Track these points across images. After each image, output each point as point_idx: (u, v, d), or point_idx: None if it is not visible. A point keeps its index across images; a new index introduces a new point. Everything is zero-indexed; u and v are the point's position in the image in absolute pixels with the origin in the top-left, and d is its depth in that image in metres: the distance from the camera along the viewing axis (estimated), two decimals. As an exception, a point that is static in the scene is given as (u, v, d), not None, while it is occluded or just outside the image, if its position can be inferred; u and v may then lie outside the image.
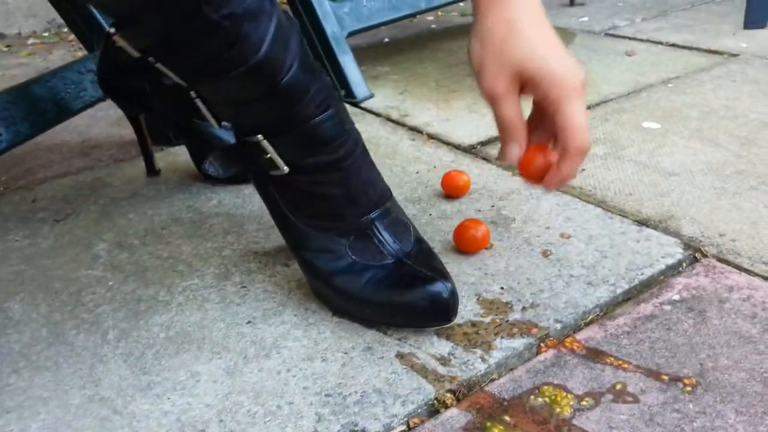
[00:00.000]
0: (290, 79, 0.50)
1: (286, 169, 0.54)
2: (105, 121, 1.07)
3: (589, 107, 0.98)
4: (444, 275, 0.52)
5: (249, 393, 0.47)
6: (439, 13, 1.75)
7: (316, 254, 0.55)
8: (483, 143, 0.88)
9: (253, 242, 0.67)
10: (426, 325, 0.52)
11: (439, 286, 0.51)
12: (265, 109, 0.52)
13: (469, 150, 0.87)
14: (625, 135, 0.87)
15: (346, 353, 0.51)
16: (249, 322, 0.55)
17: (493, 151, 0.85)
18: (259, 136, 0.53)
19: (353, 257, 0.54)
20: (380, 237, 0.54)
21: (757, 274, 0.57)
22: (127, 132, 0.95)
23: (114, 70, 0.76)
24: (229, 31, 0.46)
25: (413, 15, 1.24)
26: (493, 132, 0.91)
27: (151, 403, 0.47)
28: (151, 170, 0.84)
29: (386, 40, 1.51)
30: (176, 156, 0.89)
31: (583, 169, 0.78)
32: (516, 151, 0.50)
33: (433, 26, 1.63)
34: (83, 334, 0.55)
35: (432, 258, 0.55)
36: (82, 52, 1.50)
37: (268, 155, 0.53)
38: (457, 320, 0.53)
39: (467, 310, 0.55)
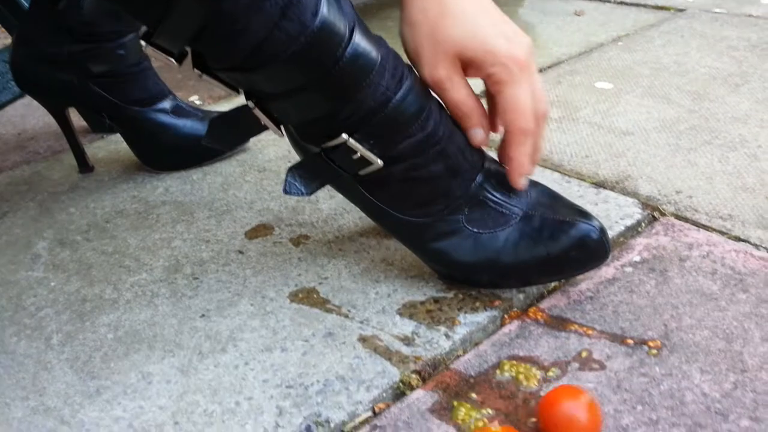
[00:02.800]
0: (356, 47, 0.42)
1: (380, 163, 0.46)
2: (41, 110, 1.01)
3: (541, 70, 0.96)
4: (582, 213, 0.49)
5: (205, 391, 0.45)
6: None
7: (437, 243, 0.49)
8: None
9: (204, 230, 0.64)
10: (584, 270, 0.50)
11: (584, 228, 0.47)
12: (336, 94, 0.44)
13: (424, 120, 0.84)
14: (579, 96, 0.86)
15: (306, 341, 0.49)
16: (203, 315, 0.52)
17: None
18: (344, 136, 0.45)
19: (476, 230, 0.49)
20: (495, 198, 0.49)
21: (714, 230, 0.57)
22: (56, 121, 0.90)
23: (34, 63, 0.71)
24: None
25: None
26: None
27: (100, 409, 0.44)
28: (84, 166, 0.78)
29: (333, 11, 1.46)
30: (118, 143, 0.85)
31: (539, 134, 0.77)
32: (480, 135, 0.48)
33: (380, -6, 1.59)
34: (25, 340, 0.51)
35: (558, 199, 0.51)
36: (7, 40, 1.41)
37: (357, 154, 0.46)
38: (420, 297, 0.52)
39: (429, 286, 0.53)
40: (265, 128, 0.48)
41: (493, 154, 0.52)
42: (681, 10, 1.17)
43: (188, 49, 0.43)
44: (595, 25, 1.14)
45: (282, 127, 0.48)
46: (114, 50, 0.70)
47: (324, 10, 0.40)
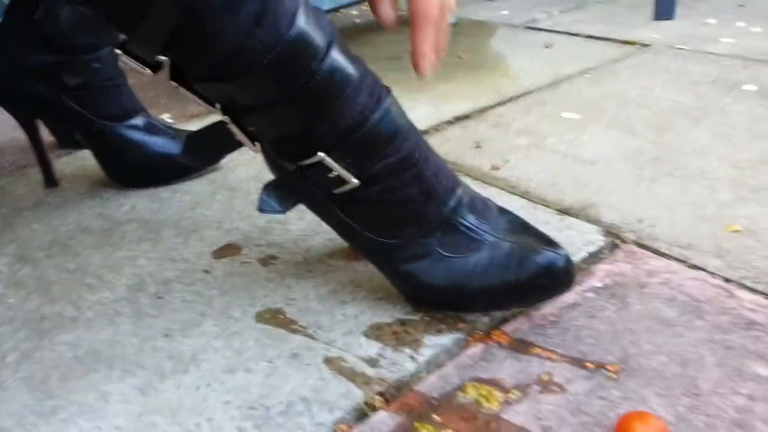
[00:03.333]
0: (331, 62, 0.43)
1: (356, 182, 0.47)
2: (6, 124, 0.99)
3: (511, 99, 0.99)
4: (550, 242, 0.50)
5: (164, 412, 0.44)
6: (363, 7, 1.73)
7: (407, 265, 0.50)
8: (408, 138, 0.87)
9: (171, 249, 0.63)
10: (549, 297, 0.51)
11: (551, 257, 0.48)
12: (312, 109, 0.44)
13: (395, 145, 0.86)
14: (546, 126, 0.88)
15: (270, 362, 0.48)
16: (165, 335, 0.52)
17: (419, 145, 0.84)
18: (320, 154, 0.46)
19: (448, 254, 0.49)
20: (467, 223, 0.50)
21: (674, 258, 0.59)
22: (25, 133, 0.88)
23: (7, 72, 0.70)
24: (255, 1, 0.40)
25: (336, 10, 1.22)
26: (421, 126, 0.90)
27: (55, 429, 0.43)
28: (50, 181, 0.77)
29: (309, 35, 1.48)
30: (85, 160, 0.84)
31: (507, 161, 0.79)
32: (386, 7, 0.46)
33: (357, 21, 1.61)
34: (-21, 358, 0.50)
35: (527, 228, 0.52)
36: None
37: (334, 173, 0.47)
38: (386, 319, 0.52)
39: (396, 308, 0.53)
40: (240, 145, 0.49)
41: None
42: (646, 45, 1.21)
43: (164, 59, 0.44)
44: (564, 57, 1.17)
45: (257, 144, 0.48)
46: (89, 63, 0.70)
47: (300, 21, 0.41)
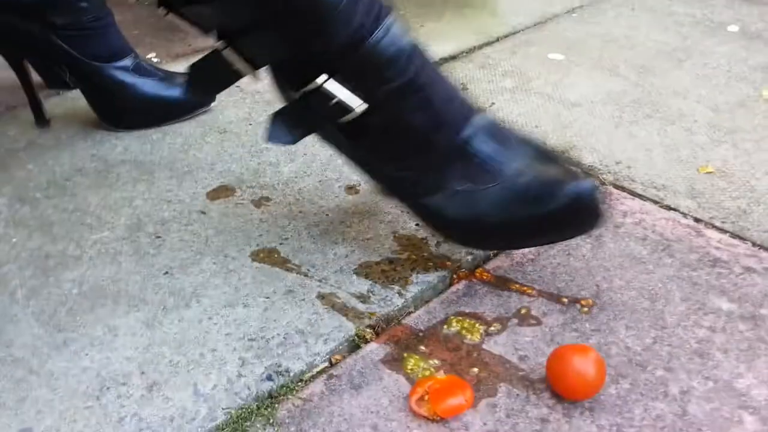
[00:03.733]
0: None
1: (361, 105, 0.44)
2: (-10, 63, 0.98)
3: (498, 39, 0.99)
4: (575, 173, 0.46)
5: (170, 343, 0.47)
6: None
7: (422, 198, 0.48)
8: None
9: (166, 190, 0.65)
10: (575, 234, 0.48)
11: (575, 188, 0.44)
12: (303, 26, 0.42)
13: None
14: (532, 67, 0.89)
15: (267, 298, 0.51)
16: (166, 272, 0.54)
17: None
18: (320, 78, 0.44)
19: (461, 187, 0.46)
20: (484, 154, 0.46)
21: (648, 199, 0.62)
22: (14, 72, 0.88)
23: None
24: None
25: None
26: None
27: (68, 360, 0.46)
28: (41, 120, 0.78)
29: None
30: (75, 101, 0.84)
31: (493, 103, 0.80)
32: None
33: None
34: (-12, 295, 0.53)
35: (552, 156, 0.48)
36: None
37: (335, 99, 0.44)
38: (375, 258, 0.55)
39: (384, 248, 0.56)
40: (241, 75, 0.46)
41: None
42: (634, -16, 1.20)
43: None
44: (552, -5, 1.17)
45: (258, 71, 0.46)
46: (77, 2, 0.69)
47: None
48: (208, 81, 0.49)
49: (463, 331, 0.48)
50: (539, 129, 0.74)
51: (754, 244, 0.55)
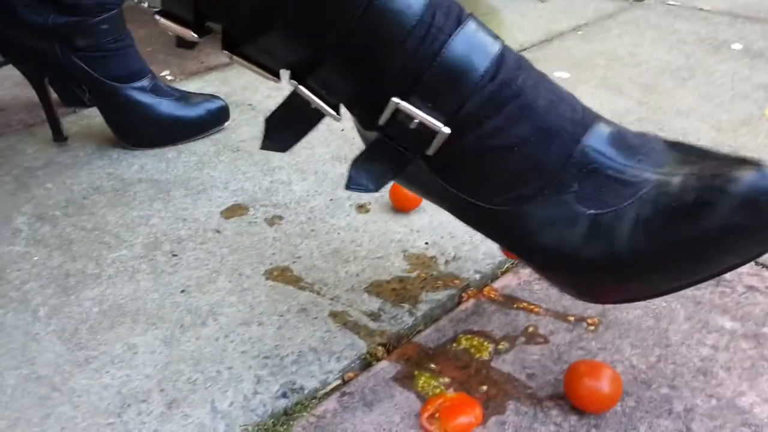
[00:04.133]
0: None
1: (445, 129, 0.36)
2: (10, 81, 1.01)
3: (505, 57, 1.01)
4: (743, 160, 0.34)
5: (188, 361, 0.49)
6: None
7: (540, 236, 0.37)
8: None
9: (181, 209, 0.67)
10: (761, 248, 0.35)
11: (750, 178, 0.32)
12: (376, 44, 0.36)
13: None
14: (539, 85, 0.91)
15: (281, 316, 0.53)
16: (183, 291, 0.56)
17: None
18: (395, 99, 0.36)
19: (593, 210, 0.36)
20: (615, 164, 0.36)
21: (652, 218, 0.63)
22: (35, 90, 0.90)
23: (17, 31, 0.72)
24: None
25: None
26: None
27: (89, 377, 0.48)
28: (59, 136, 0.80)
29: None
30: (91, 119, 0.86)
31: (500, 121, 0.82)
32: None
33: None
34: (12, 313, 0.54)
35: (699, 150, 0.38)
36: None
37: (415, 122, 0.36)
38: (386, 276, 0.57)
39: (395, 266, 0.58)
40: (318, 119, 0.41)
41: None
42: (639, 1, 1.22)
43: (215, 26, 0.39)
44: (558, 12, 1.18)
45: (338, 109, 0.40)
46: (98, 25, 0.72)
47: None
48: (286, 128, 0.42)
49: (472, 349, 0.49)
50: (545, 147, 0.76)
51: (756, 263, 0.57)
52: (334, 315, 0.53)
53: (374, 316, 0.53)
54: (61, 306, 0.55)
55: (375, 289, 0.55)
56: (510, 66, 0.37)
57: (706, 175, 0.34)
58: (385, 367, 0.48)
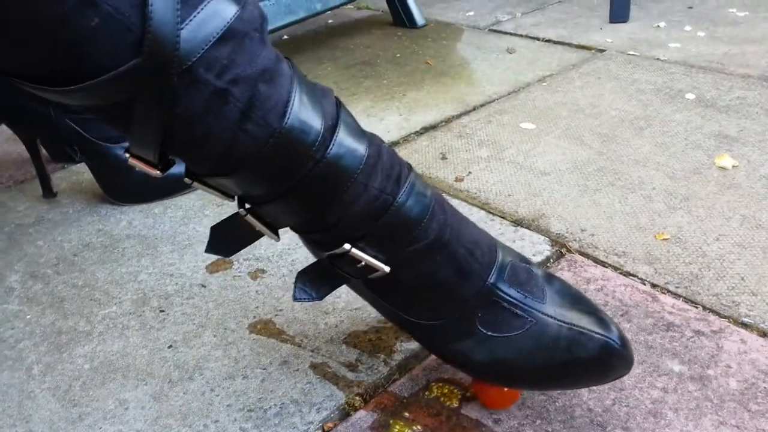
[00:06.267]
0: (337, 147, 0.41)
1: (387, 269, 0.45)
2: (0, 137, 1.04)
3: (474, 108, 1.07)
4: (602, 322, 0.47)
5: (176, 416, 0.52)
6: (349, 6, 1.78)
7: (452, 345, 0.48)
8: (380, 148, 0.95)
9: (168, 264, 0.71)
10: (603, 383, 0.48)
11: (603, 342, 0.46)
12: (318, 196, 0.42)
13: (368, 156, 0.93)
14: (505, 136, 0.97)
15: (264, 369, 0.56)
16: (170, 346, 0.59)
17: (390, 156, 0.92)
18: (346, 246, 0.44)
19: (490, 333, 0.47)
20: (509, 299, 0.47)
21: (610, 265, 0.68)
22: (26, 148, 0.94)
23: (11, 92, 0.76)
24: (241, 97, 0.38)
25: (310, 17, 1.28)
26: (391, 137, 0.98)
27: (84, 434, 0.51)
28: (48, 192, 0.84)
29: (285, 37, 1.53)
30: (79, 174, 0.90)
31: (470, 172, 0.87)
32: None
33: (330, 21, 1.67)
34: (7, 371, 0.57)
35: (576, 301, 0.49)
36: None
37: (361, 263, 0.45)
38: (363, 327, 0.61)
39: (371, 317, 0.62)
40: (261, 234, 0.47)
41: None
42: (601, 51, 1.30)
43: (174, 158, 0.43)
44: (524, 63, 1.25)
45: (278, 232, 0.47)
46: None
47: (293, 111, 0.40)
48: (228, 241, 0.48)
49: (443, 397, 0.53)
50: (511, 197, 0.81)
51: (704, 308, 0.62)
52: (314, 366, 0.56)
53: (352, 367, 0.56)
54: (55, 363, 0.58)
55: (353, 339, 0.59)
56: (439, 219, 0.46)
57: (575, 330, 0.47)
58: (363, 417, 0.52)
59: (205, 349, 0.59)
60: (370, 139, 0.44)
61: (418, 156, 0.93)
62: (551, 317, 0.47)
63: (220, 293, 0.66)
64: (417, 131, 1.00)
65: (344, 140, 0.42)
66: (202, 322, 0.62)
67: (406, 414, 0.52)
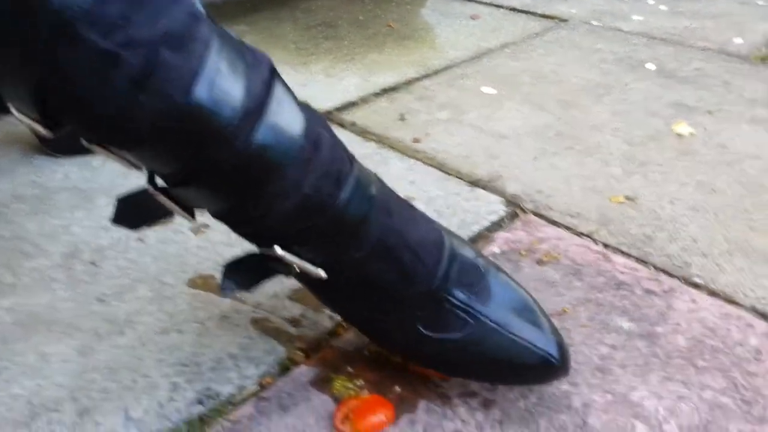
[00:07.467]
0: (262, 135, 0.36)
1: (323, 274, 0.43)
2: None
3: (436, 72, 1.04)
4: (543, 333, 0.45)
5: (103, 370, 0.49)
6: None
7: (392, 340, 0.47)
8: (338, 108, 0.92)
9: (104, 217, 0.67)
10: (537, 384, 0.48)
11: (540, 356, 0.44)
12: (241, 188, 0.38)
13: (326, 115, 0.90)
14: (466, 100, 0.94)
15: (201, 323, 0.53)
16: (100, 300, 0.56)
17: (348, 116, 0.89)
18: (278, 250, 0.41)
19: (428, 332, 0.45)
20: (454, 301, 0.45)
21: (564, 226, 0.67)
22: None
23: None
24: (135, 63, 0.33)
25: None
26: (350, 97, 0.95)
27: None
28: None
29: (242, -4, 1.48)
30: (14, 125, 0.84)
31: (428, 134, 0.85)
32: None
33: (290, -17, 1.61)
34: None
35: (520, 304, 0.47)
36: None
37: (295, 266, 0.42)
38: (308, 283, 0.58)
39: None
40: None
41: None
42: (564, 21, 1.28)
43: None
44: (488, 30, 1.23)
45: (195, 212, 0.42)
46: None
47: (204, 83, 0.34)
48: (138, 215, 0.44)
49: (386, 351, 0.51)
50: (469, 159, 0.79)
51: (655, 268, 0.61)
52: (255, 321, 0.54)
53: (295, 322, 0.54)
54: (-27, 316, 0.54)
55: (297, 295, 0.57)
56: (382, 222, 0.43)
57: (516, 342, 0.45)
58: (303, 372, 0.49)
59: (139, 304, 0.55)
60: (309, 124, 0.39)
61: (376, 117, 0.90)
62: (494, 323, 0.45)
63: (159, 247, 0.62)
64: (376, 92, 0.97)
65: (272, 126, 0.37)
66: (136, 276, 0.59)
67: (349, 368, 0.50)
